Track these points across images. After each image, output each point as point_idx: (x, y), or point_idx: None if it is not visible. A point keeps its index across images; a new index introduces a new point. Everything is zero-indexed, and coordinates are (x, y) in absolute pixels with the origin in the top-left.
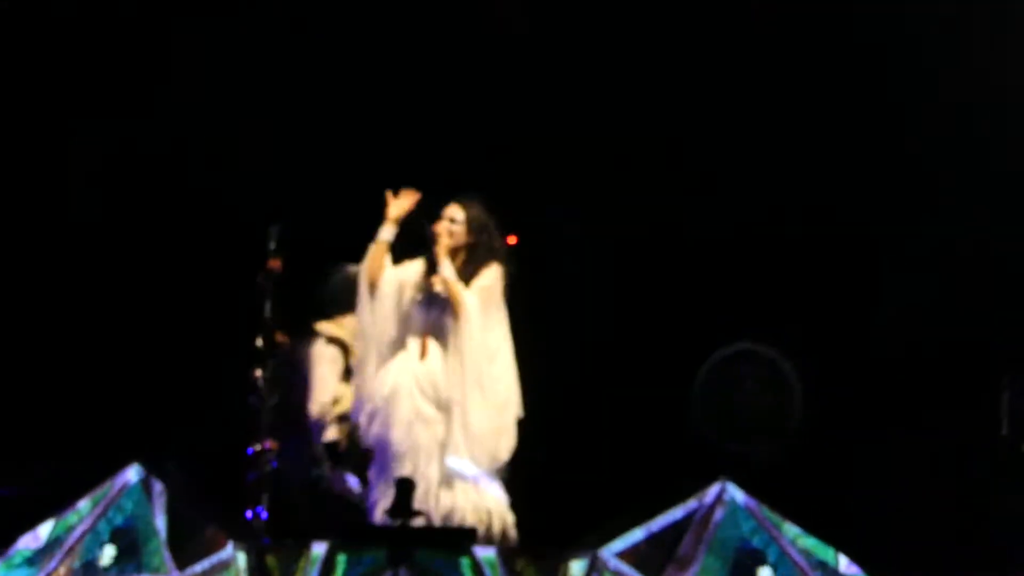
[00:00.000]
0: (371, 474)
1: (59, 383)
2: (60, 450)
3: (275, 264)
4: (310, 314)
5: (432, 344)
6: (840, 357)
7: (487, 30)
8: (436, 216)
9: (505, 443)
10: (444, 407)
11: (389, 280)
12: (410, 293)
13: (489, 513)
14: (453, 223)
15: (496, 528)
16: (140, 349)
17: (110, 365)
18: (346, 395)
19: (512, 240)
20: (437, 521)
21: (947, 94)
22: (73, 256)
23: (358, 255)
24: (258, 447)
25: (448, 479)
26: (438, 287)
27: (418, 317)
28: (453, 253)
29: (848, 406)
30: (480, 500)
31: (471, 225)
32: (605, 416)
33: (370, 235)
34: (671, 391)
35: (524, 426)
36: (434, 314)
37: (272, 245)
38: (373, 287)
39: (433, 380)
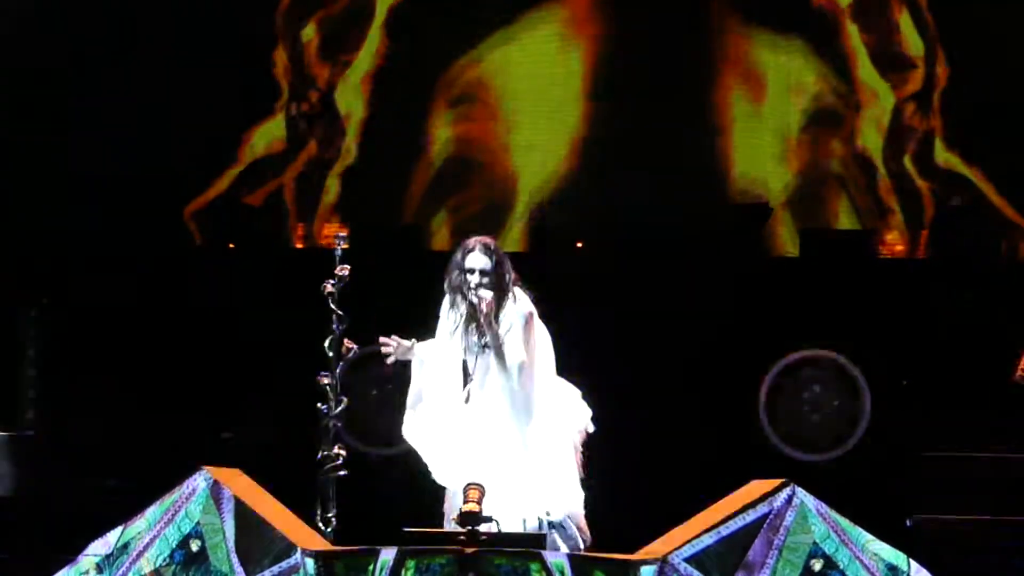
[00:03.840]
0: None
1: (130, 391)
2: (131, 456)
3: (342, 271)
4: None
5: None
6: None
7: None
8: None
9: (571, 482)
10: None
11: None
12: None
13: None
14: (484, 275)
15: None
16: (210, 357)
17: (180, 373)
18: None
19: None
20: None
21: None
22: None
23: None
24: (326, 453)
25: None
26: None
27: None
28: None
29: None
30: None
31: (495, 272)
32: (674, 421)
33: None
34: (739, 396)
35: (593, 433)
36: (485, 363)
37: (339, 252)
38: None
39: (496, 430)
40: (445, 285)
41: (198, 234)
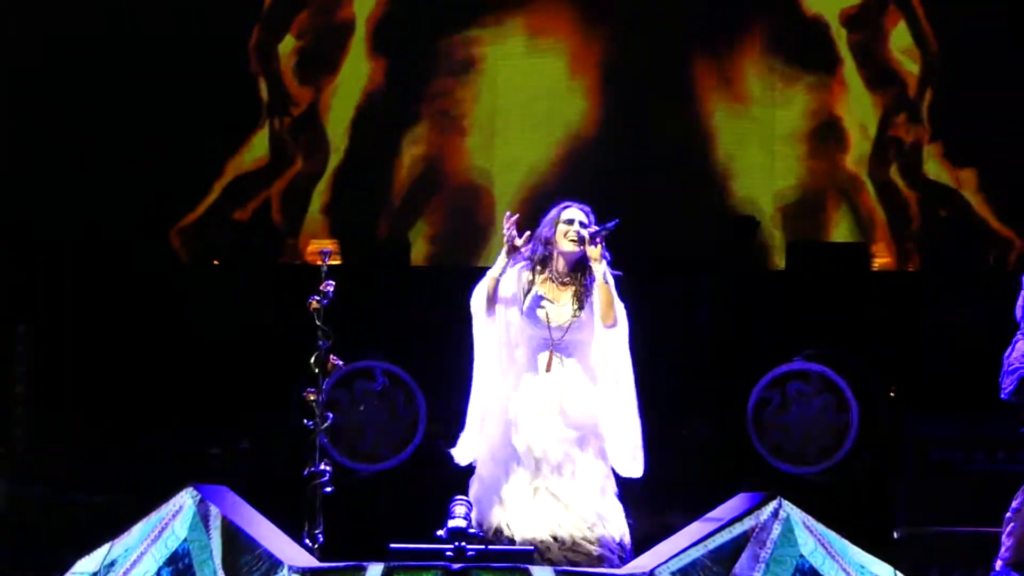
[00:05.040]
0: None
1: (115, 408)
2: (117, 474)
3: (328, 286)
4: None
5: (565, 360)
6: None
7: None
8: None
9: (635, 443)
10: (586, 428)
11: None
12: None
13: (607, 526)
14: (583, 227)
15: (615, 538)
16: (195, 374)
17: (166, 391)
18: None
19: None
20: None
21: None
22: (130, 291)
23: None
24: (312, 469)
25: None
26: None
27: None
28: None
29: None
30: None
31: (592, 221)
32: (661, 434)
33: None
34: (726, 409)
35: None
36: (576, 335)
37: (324, 267)
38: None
39: (579, 407)
40: (532, 247)
41: (184, 252)
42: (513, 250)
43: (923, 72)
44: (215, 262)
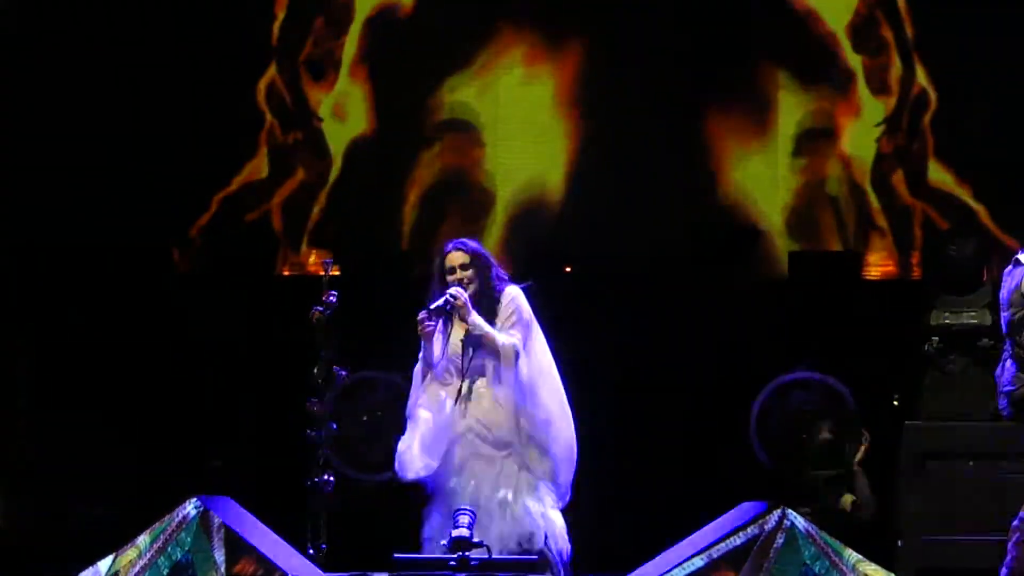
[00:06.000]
0: (429, 508)
1: (119, 421)
2: (121, 485)
3: (330, 296)
4: None
5: (483, 386)
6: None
7: None
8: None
9: (564, 477)
10: (501, 446)
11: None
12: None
13: (552, 541)
14: (464, 269)
15: (557, 556)
16: (198, 385)
17: (168, 402)
18: None
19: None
20: (497, 551)
21: None
22: (132, 301)
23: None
24: (316, 479)
25: (509, 510)
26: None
27: (466, 363)
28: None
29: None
30: (544, 528)
31: (475, 264)
32: (664, 443)
33: None
34: (730, 418)
35: (579, 452)
36: (479, 360)
37: (326, 278)
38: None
39: (487, 421)
40: (435, 297)
41: (185, 262)
42: (428, 336)
43: (926, 81)
44: (216, 273)
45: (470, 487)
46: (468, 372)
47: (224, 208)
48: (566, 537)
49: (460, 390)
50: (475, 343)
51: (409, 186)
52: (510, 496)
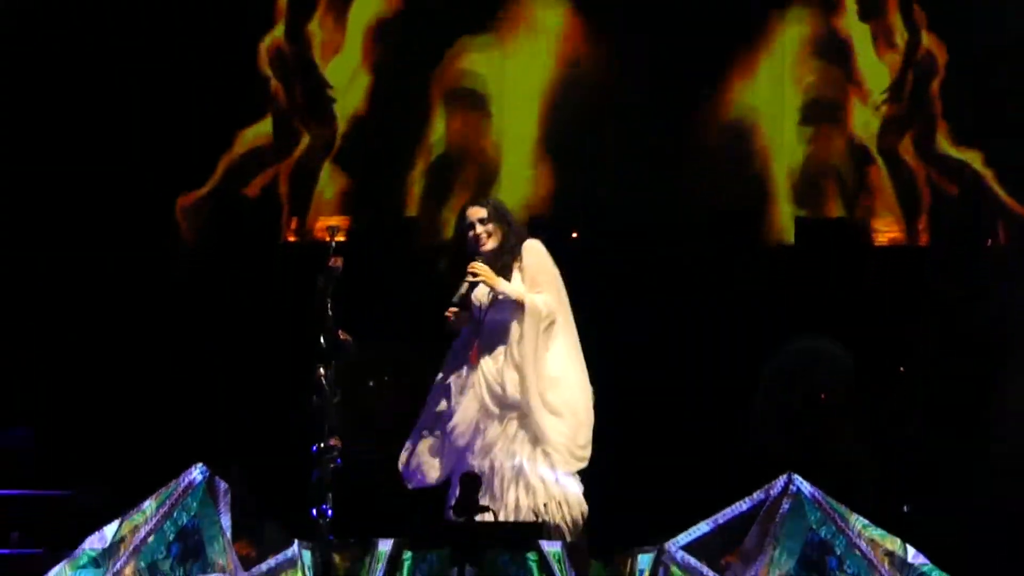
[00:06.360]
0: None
1: (124, 387)
2: (126, 452)
3: (336, 263)
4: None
5: (498, 346)
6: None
7: None
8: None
9: (582, 439)
10: (513, 407)
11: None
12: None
13: (566, 507)
14: (484, 223)
15: (571, 522)
16: (204, 351)
17: (175, 367)
18: None
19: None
20: (513, 517)
21: None
22: (137, 268)
23: None
24: (322, 445)
25: (523, 475)
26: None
27: (482, 320)
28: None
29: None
30: (557, 494)
31: (496, 218)
32: (667, 412)
33: None
34: (737, 385)
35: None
36: (497, 315)
37: (332, 244)
38: None
39: (501, 381)
40: (445, 263)
41: (188, 230)
42: (460, 325)
43: (935, 45)
44: (221, 241)
45: (482, 452)
46: (485, 327)
47: (229, 175)
48: (582, 502)
49: (477, 347)
50: (499, 303)
51: (416, 154)
52: (524, 463)
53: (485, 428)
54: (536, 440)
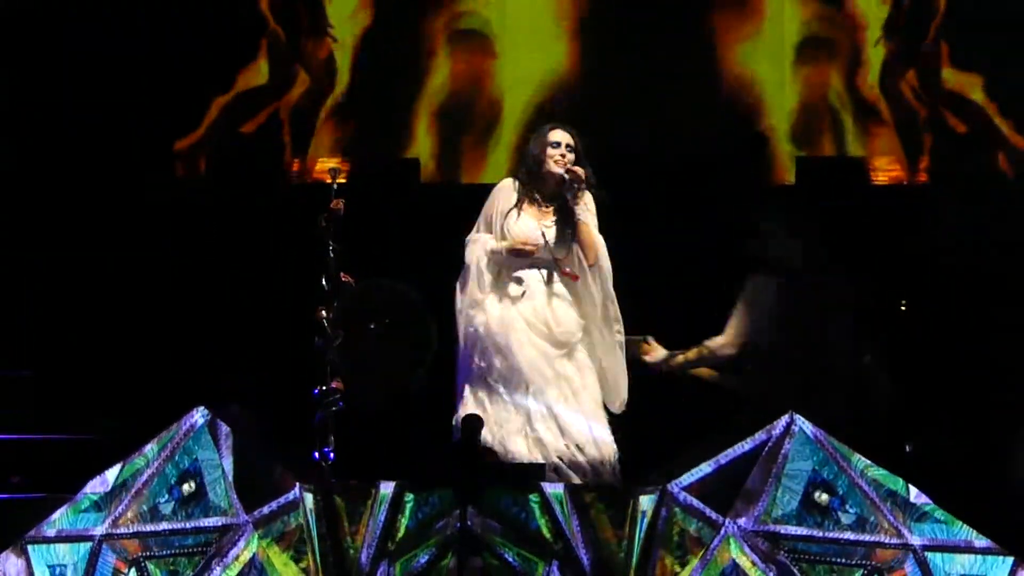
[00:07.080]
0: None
1: (125, 329)
2: (127, 395)
3: (337, 205)
4: None
5: (554, 279)
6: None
7: None
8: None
9: (624, 382)
10: (559, 345)
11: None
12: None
13: (600, 448)
14: (572, 151)
15: (608, 464)
16: (205, 293)
17: (175, 310)
18: None
19: None
20: (540, 457)
21: None
22: (136, 211)
23: None
24: (324, 388)
25: (556, 420)
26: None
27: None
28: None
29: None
30: (593, 435)
31: (577, 151)
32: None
33: None
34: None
35: None
36: (562, 243)
37: (334, 186)
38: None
39: (550, 317)
40: (520, 167)
41: (187, 169)
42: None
43: None
44: (223, 180)
45: (523, 384)
46: (543, 261)
47: (227, 114)
48: (612, 445)
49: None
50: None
51: (416, 92)
52: (560, 406)
53: (533, 360)
54: (577, 381)
